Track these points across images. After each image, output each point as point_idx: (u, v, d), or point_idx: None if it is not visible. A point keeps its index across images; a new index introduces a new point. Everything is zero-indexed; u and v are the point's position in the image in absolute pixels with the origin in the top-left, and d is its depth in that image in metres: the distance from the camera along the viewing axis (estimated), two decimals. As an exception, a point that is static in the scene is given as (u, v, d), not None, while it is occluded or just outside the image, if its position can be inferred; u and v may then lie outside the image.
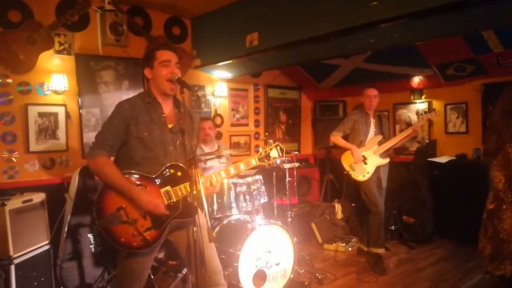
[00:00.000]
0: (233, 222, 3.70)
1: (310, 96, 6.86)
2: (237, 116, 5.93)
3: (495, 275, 3.20)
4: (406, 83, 5.52)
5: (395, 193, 5.14)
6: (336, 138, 4.38)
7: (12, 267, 3.08)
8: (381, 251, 4.27)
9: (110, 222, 2.17)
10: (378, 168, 4.28)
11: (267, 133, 5.96)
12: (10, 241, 3.10)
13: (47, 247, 3.51)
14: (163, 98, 2.39)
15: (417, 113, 5.57)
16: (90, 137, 4.29)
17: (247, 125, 6.06)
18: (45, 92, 4.06)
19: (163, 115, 2.35)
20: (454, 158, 5.13)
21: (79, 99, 4.28)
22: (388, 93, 5.48)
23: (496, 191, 3.24)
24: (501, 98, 3.32)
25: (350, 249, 4.86)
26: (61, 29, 4.10)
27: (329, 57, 4.83)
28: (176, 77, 2.28)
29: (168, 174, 2.30)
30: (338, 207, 5.58)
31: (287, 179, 4.30)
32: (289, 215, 4.25)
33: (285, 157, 3.21)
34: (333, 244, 4.93)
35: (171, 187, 2.28)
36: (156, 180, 2.27)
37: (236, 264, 3.24)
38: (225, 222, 3.68)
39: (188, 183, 2.28)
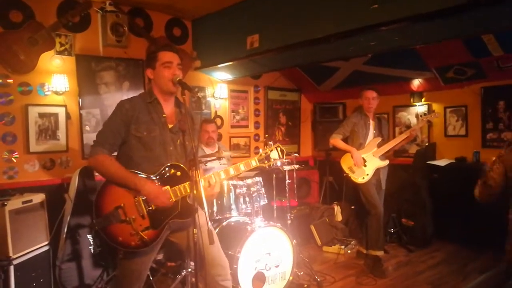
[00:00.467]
0: (232, 224, 3.70)
1: (310, 98, 6.87)
2: (237, 117, 5.94)
3: None
4: (406, 85, 5.53)
5: (394, 196, 5.14)
6: (336, 140, 4.38)
7: (11, 268, 3.08)
8: (380, 253, 4.27)
9: (108, 221, 2.17)
10: (377, 170, 4.29)
11: (267, 135, 5.99)
12: (10, 242, 3.10)
13: (46, 248, 3.51)
14: (164, 98, 2.40)
15: (417, 115, 5.58)
16: (90, 137, 4.29)
17: (247, 126, 6.07)
18: (46, 93, 4.06)
19: (163, 115, 2.37)
20: (454, 161, 5.14)
21: (80, 100, 4.28)
22: (388, 95, 5.48)
23: None
24: None
25: (349, 251, 4.86)
26: (62, 30, 4.11)
27: (330, 60, 4.83)
28: (178, 79, 2.30)
29: (167, 174, 2.31)
30: (337, 209, 5.58)
31: (287, 181, 4.30)
32: (288, 217, 4.25)
33: (285, 159, 3.22)
34: (332, 246, 4.93)
35: (170, 187, 2.28)
36: (155, 180, 2.28)
37: (235, 266, 3.24)
38: (224, 224, 3.68)
39: (187, 183, 2.29)
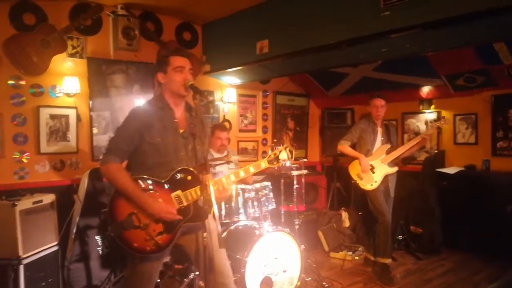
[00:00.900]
0: (240, 228, 3.70)
1: (318, 104, 6.87)
2: (245, 122, 5.95)
3: None
4: (415, 92, 5.51)
5: (403, 203, 5.10)
6: (344, 147, 4.37)
7: (21, 267, 3.11)
8: (388, 261, 4.23)
9: (122, 227, 2.19)
10: (386, 178, 4.25)
11: (275, 140, 5.98)
12: (20, 242, 3.12)
13: (55, 248, 3.54)
14: (175, 102, 2.42)
15: (426, 122, 5.56)
16: (100, 140, 4.33)
17: (255, 131, 6.08)
18: (57, 95, 4.10)
19: (175, 120, 2.38)
20: (463, 169, 5.09)
21: (90, 102, 4.32)
22: (397, 102, 5.47)
23: None
24: None
25: (356, 258, 4.83)
26: (74, 32, 4.16)
27: (339, 66, 4.84)
28: (190, 83, 2.31)
29: (178, 178, 2.32)
30: (345, 215, 5.55)
31: (295, 186, 4.30)
32: (296, 222, 4.24)
33: (293, 164, 3.22)
34: (340, 252, 4.91)
35: (182, 191, 2.30)
36: (167, 185, 2.29)
37: (243, 270, 3.23)
38: (232, 227, 3.68)
39: (198, 187, 2.29)
